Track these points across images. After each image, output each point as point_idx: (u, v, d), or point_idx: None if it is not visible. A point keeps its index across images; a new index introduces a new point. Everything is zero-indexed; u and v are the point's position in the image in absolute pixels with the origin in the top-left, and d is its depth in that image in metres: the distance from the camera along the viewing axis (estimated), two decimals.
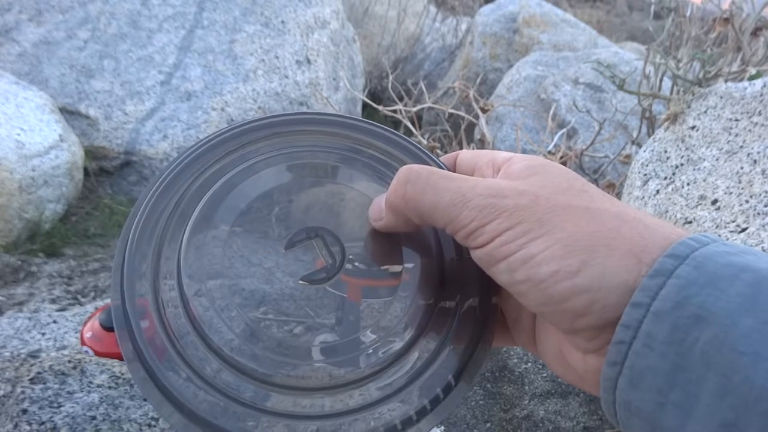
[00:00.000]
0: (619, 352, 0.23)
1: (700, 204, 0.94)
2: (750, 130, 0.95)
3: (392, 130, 0.36)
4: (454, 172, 0.34)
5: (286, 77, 2.10)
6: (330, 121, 0.36)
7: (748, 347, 0.20)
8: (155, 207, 0.32)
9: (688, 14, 1.77)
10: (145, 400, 0.78)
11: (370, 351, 0.29)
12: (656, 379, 0.22)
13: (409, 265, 0.31)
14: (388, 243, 0.32)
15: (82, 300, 1.43)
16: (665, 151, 1.06)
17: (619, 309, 0.24)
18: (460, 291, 0.31)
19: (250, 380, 0.28)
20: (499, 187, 0.27)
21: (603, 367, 0.24)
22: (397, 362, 0.29)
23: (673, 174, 1.03)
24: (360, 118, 0.37)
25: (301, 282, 0.30)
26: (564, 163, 1.59)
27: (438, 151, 1.64)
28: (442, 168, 0.34)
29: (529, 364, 1.13)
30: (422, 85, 2.06)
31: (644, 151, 1.11)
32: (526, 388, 1.08)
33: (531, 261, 0.25)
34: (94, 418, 0.74)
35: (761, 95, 0.96)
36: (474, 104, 1.83)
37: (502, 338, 0.33)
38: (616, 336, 0.23)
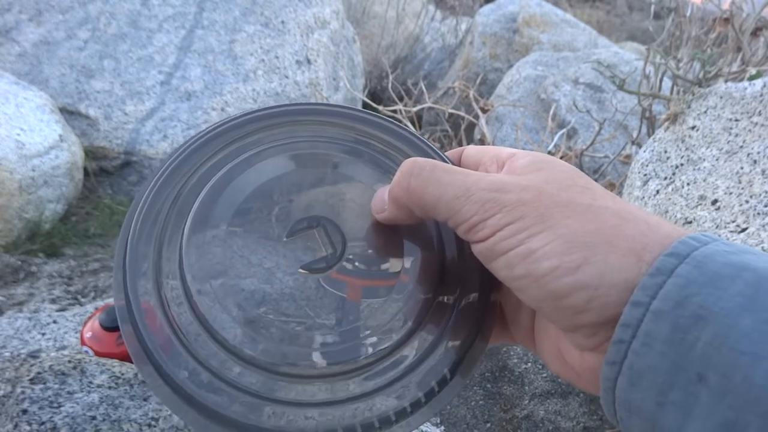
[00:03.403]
0: (618, 351, 0.23)
1: (700, 204, 0.94)
2: (750, 130, 0.95)
3: (397, 122, 0.36)
4: (460, 166, 0.34)
5: (286, 77, 2.10)
6: (333, 112, 0.36)
7: (747, 347, 0.20)
8: (153, 204, 0.32)
9: (688, 14, 1.77)
10: (147, 398, 0.78)
11: (369, 345, 0.29)
12: (656, 379, 0.22)
13: (410, 259, 0.31)
14: (390, 235, 0.32)
15: (82, 300, 1.43)
16: (665, 151, 1.06)
17: (619, 307, 0.24)
18: (459, 286, 0.31)
19: (257, 370, 0.28)
20: (502, 181, 0.27)
21: (602, 367, 0.24)
22: (395, 354, 0.29)
23: (673, 174, 1.03)
24: (364, 110, 0.36)
25: (301, 271, 0.30)
26: None
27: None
28: (447, 162, 0.34)
29: (529, 364, 1.13)
30: (422, 85, 2.06)
31: (644, 151, 1.11)
32: (526, 388, 1.08)
33: (531, 256, 0.25)
34: (94, 418, 0.74)
35: (761, 95, 0.96)
36: (474, 104, 1.83)
37: (501, 335, 0.33)
38: (615, 335, 0.23)
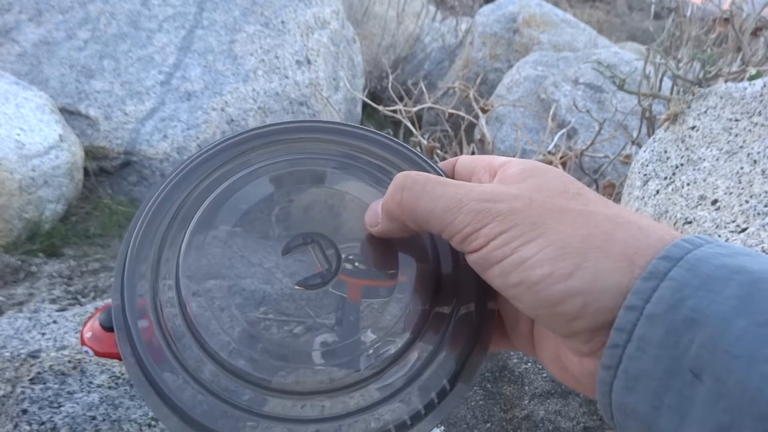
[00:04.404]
0: (613, 355, 0.23)
1: (700, 204, 0.94)
2: (750, 131, 0.95)
3: (389, 136, 0.37)
4: (454, 177, 0.34)
5: (286, 77, 2.10)
6: (328, 129, 0.37)
7: (741, 350, 0.20)
8: (158, 211, 0.32)
9: (688, 14, 1.77)
10: (143, 401, 0.79)
11: (370, 352, 0.29)
12: (651, 383, 0.22)
13: (405, 271, 0.32)
14: (385, 248, 0.32)
15: (82, 300, 1.43)
16: (665, 151, 1.06)
17: (614, 312, 0.24)
18: (456, 296, 0.31)
19: (248, 384, 0.28)
20: (493, 191, 0.27)
21: (598, 371, 0.24)
22: (396, 363, 0.29)
23: (673, 174, 1.03)
24: (358, 125, 0.37)
25: (296, 287, 0.30)
26: (564, 164, 1.59)
27: (438, 151, 1.64)
28: (440, 173, 0.34)
29: (529, 364, 1.13)
30: (422, 85, 2.06)
31: (644, 151, 1.11)
32: (526, 388, 1.08)
33: (524, 264, 0.25)
34: (94, 418, 0.74)
35: (761, 95, 0.96)
36: (474, 104, 1.83)
37: (501, 342, 0.33)
38: (610, 340, 0.23)
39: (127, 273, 0.30)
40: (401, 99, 2.09)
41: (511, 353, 1.16)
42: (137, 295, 0.29)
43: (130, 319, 0.28)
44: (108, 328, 0.93)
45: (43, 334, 1.13)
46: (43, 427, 0.71)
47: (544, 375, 1.10)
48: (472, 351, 0.30)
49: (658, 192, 1.03)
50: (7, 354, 1.04)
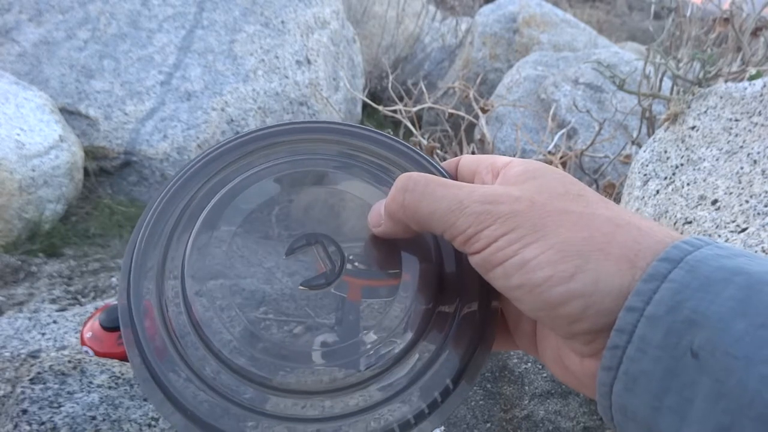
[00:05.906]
0: (614, 356, 0.23)
1: (700, 204, 0.94)
2: (750, 130, 0.95)
3: (391, 135, 0.37)
4: (456, 177, 0.34)
5: (286, 77, 2.10)
6: (329, 129, 0.37)
7: (740, 351, 0.20)
8: (163, 211, 0.33)
9: (688, 14, 1.77)
10: (146, 399, 0.79)
11: (371, 353, 0.29)
12: (651, 384, 0.22)
13: (409, 270, 0.32)
14: (388, 248, 0.32)
15: (82, 300, 1.43)
16: (665, 151, 1.06)
17: (614, 313, 0.24)
18: (459, 295, 0.31)
19: (249, 383, 0.28)
20: (495, 193, 0.27)
21: (598, 372, 0.24)
22: (397, 364, 0.29)
23: (673, 174, 1.03)
24: (359, 125, 0.37)
25: (301, 288, 0.31)
26: (564, 164, 1.59)
27: (438, 151, 1.64)
28: (443, 173, 0.34)
29: (529, 364, 1.13)
30: (422, 85, 2.06)
31: (644, 151, 1.11)
32: (526, 388, 1.08)
33: (526, 266, 0.25)
34: (94, 418, 0.74)
35: (761, 95, 0.96)
36: (474, 104, 1.83)
37: (504, 342, 0.34)
38: (610, 341, 0.24)
39: (134, 273, 0.30)
40: (401, 99, 2.09)
41: (512, 353, 1.16)
42: (143, 295, 0.30)
43: (136, 318, 0.29)
44: (108, 328, 0.93)
45: (43, 334, 1.13)
46: (43, 427, 0.71)
47: (544, 375, 1.10)
48: (476, 350, 0.30)
49: (658, 192, 1.03)
50: (7, 354, 1.04)
